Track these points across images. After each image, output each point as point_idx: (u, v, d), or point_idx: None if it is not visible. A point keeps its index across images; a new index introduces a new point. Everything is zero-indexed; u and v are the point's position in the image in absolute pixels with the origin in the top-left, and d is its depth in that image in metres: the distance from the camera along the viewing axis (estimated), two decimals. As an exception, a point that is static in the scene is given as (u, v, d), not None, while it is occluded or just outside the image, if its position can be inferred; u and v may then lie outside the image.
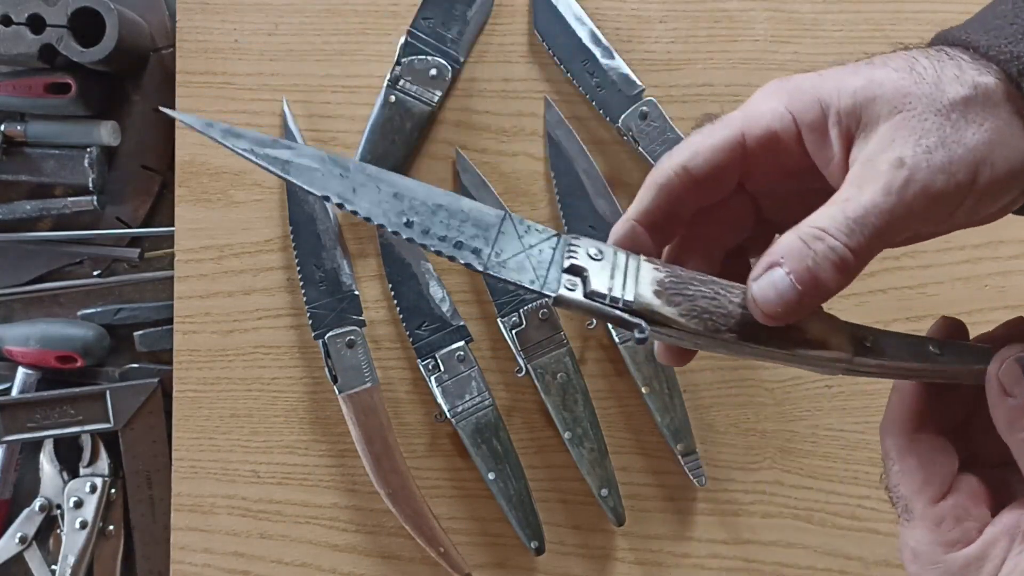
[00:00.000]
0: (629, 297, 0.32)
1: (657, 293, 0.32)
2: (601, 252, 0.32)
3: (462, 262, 0.32)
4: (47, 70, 0.63)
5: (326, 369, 0.60)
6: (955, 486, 0.33)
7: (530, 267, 0.32)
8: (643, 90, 0.61)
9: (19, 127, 0.65)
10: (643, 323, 0.31)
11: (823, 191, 0.32)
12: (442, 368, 0.60)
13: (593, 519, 0.62)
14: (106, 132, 0.65)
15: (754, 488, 0.62)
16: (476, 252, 0.32)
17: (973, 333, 0.36)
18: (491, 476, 0.60)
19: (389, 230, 0.32)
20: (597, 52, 0.61)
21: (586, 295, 0.31)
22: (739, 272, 0.34)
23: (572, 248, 0.32)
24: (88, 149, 0.65)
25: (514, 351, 0.60)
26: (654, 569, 0.62)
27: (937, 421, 0.34)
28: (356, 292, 0.61)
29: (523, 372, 0.60)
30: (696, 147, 0.34)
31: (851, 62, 0.33)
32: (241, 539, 0.62)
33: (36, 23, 0.60)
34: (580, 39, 0.61)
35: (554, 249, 0.32)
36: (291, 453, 0.62)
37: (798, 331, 0.32)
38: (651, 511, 0.62)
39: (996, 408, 0.31)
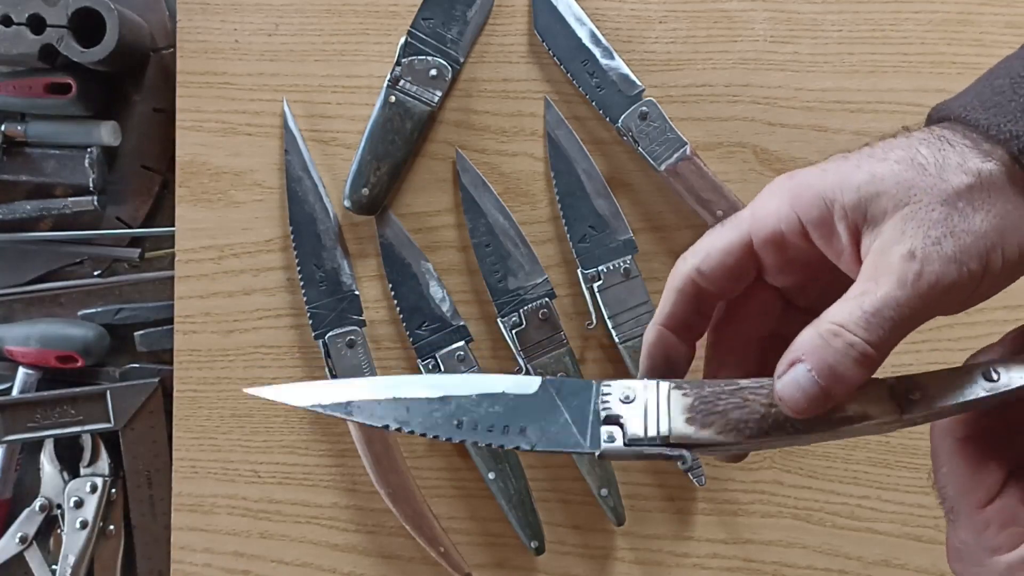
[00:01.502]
0: (665, 432, 0.33)
1: (689, 420, 0.33)
2: (631, 394, 0.34)
3: (510, 447, 0.34)
4: (47, 70, 0.63)
5: (326, 369, 0.60)
6: (1002, 492, 0.33)
7: (573, 430, 0.34)
8: (643, 90, 0.61)
9: (19, 127, 0.65)
10: (685, 452, 0.33)
11: (841, 279, 0.33)
12: (442, 368, 0.60)
13: (593, 519, 0.62)
14: (106, 132, 0.65)
15: (754, 488, 0.62)
16: (523, 432, 0.34)
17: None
18: (491, 476, 0.60)
19: (443, 438, 0.34)
20: (597, 52, 0.61)
21: (626, 443, 0.34)
22: (775, 358, 0.35)
23: (605, 397, 0.34)
24: (88, 149, 0.65)
25: (514, 351, 0.60)
26: (654, 569, 0.62)
27: (988, 427, 0.34)
28: (356, 292, 0.61)
29: (523, 372, 0.60)
30: (708, 249, 0.35)
31: (855, 150, 0.33)
32: (241, 539, 0.62)
33: (36, 23, 0.60)
34: (580, 39, 0.61)
35: (590, 401, 0.35)
36: (291, 453, 0.63)
37: (835, 411, 0.33)
38: (651, 511, 0.62)
39: None
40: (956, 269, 0.29)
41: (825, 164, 0.33)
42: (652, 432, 0.33)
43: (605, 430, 0.34)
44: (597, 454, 0.34)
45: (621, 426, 0.34)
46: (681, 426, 0.33)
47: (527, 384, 0.35)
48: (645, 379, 0.35)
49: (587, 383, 0.35)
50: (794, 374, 0.31)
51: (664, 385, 0.34)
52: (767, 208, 0.34)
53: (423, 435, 0.34)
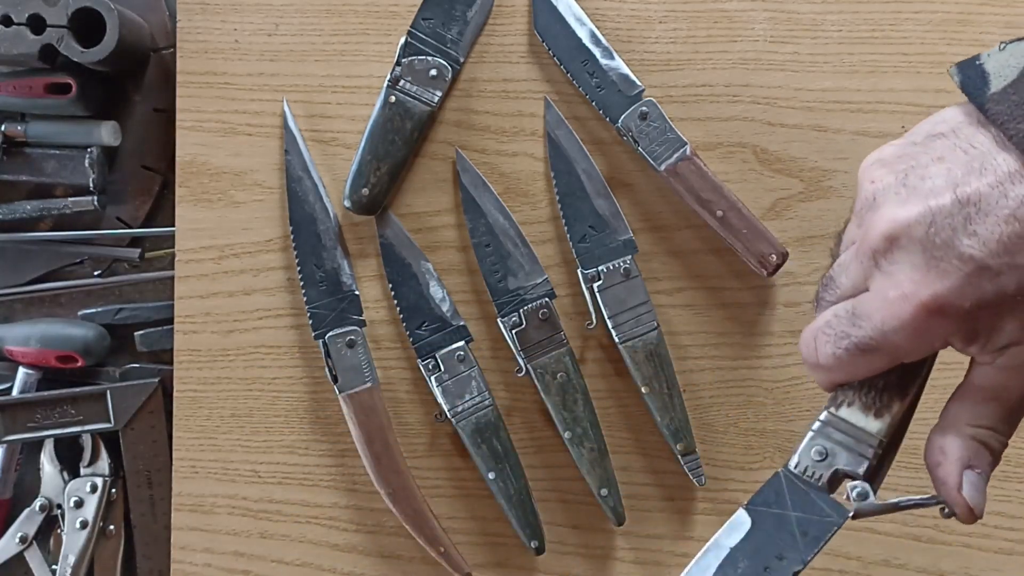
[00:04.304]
0: (874, 442, 0.35)
1: (877, 414, 0.35)
2: (823, 449, 0.35)
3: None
4: (47, 70, 0.63)
5: (326, 369, 0.60)
6: None
7: (814, 518, 0.35)
8: (643, 90, 0.61)
9: (19, 127, 0.65)
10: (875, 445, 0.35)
11: None
12: (442, 368, 0.60)
13: (593, 519, 0.62)
14: (106, 132, 0.65)
15: (754, 488, 0.61)
16: (782, 558, 0.34)
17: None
18: (491, 476, 0.60)
19: None
20: (597, 52, 0.61)
21: (866, 478, 0.35)
22: None
23: (807, 471, 0.35)
24: (88, 149, 0.65)
25: (514, 351, 0.60)
26: (654, 569, 0.62)
27: None
28: (356, 292, 0.61)
29: (523, 372, 0.60)
30: (848, 378, 0.37)
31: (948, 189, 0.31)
32: (241, 539, 0.62)
33: (36, 23, 0.60)
34: (580, 39, 0.61)
35: (797, 487, 0.35)
36: (291, 453, 0.63)
37: None
38: (651, 511, 0.62)
39: None
40: None
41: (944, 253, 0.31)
42: (868, 453, 0.35)
43: (842, 489, 0.35)
44: (852, 515, 0.34)
45: (846, 475, 0.35)
46: (875, 425, 0.35)
47: (738, 525, 0.36)
48: (809, 431, 0.36)
49: (774, 480, 0.36)
50: (974, 482, 0.34)
51: (834, 418, 0.35)
52: (912, 340, 0.33)
53: None
